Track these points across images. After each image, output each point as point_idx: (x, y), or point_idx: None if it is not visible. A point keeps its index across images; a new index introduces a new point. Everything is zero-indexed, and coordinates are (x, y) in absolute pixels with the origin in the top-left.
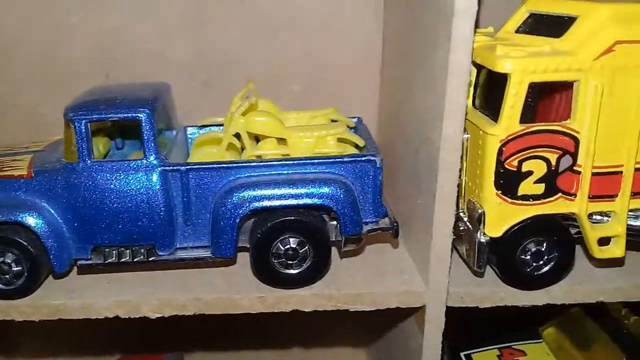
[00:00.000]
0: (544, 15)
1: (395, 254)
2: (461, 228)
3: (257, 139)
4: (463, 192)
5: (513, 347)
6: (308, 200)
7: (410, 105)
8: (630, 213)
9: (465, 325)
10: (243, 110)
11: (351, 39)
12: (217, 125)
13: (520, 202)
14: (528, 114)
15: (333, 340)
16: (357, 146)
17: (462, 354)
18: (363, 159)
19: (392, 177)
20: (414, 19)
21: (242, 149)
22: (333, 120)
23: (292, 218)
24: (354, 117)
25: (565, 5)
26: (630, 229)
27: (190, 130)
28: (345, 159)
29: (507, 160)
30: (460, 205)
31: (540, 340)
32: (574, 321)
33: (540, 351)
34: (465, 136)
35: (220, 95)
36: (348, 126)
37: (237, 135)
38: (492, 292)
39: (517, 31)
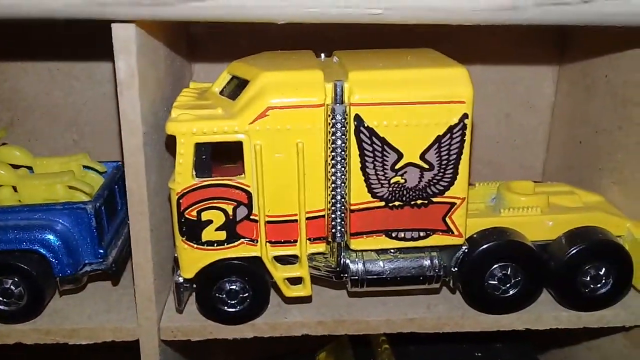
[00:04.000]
0: (237, 78)
1: (122, 291)
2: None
3: None
4: None
5: None
6: (17, 245)
7: None
8: (319, 256)
9: None
10: None
11: None
12: None
13: (205, 247)
14: (204, 169)
15: None
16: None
17: None
18: (74, 206)
19: None
20: None
21: None
22: (85, 167)
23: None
24: (115, 162)
25: (247, 71)
26: (324, 270)
27: None
28: (57, 207)
29: (187, 211)
30: None
31: None
32: (339, 348)
33: None
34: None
35: (26, 135)
36: (99, 172)
37: None
38: (202, 326)
39: (221, 92)
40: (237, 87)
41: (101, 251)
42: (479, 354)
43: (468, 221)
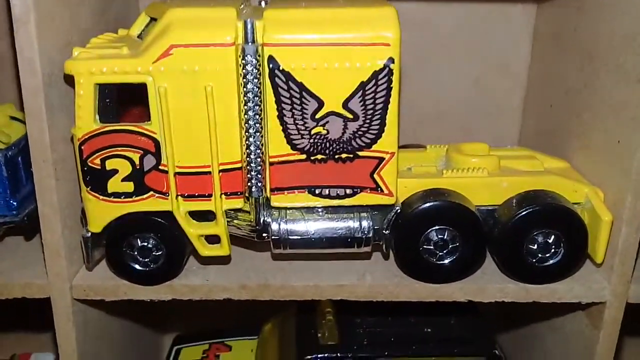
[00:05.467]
0: (153, 19)
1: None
2: None
3: None
4: None
5: (225, 342)
6: None
7: None
8: (242, 214)
9: None
10: None
11: None
12: None
13: (112, 199)
14: (110, 114)
15: None
16: None
17: (174, 348)
18: None
19: None
20: None
21: None
22: (13, 117)
23: None
24: None
25: (159, 10)
26: (246, 229)
27: None
28: None
29: (90, 159)
30: None
31: (254, 337)
32: (285, 318)
33: (245, 348)
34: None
35: None
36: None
37: None
38: (115, 285)
39: (139, 36)
40: (149, 28)
41: (14, 203)
42: (428, 330)
43: (407, 182)
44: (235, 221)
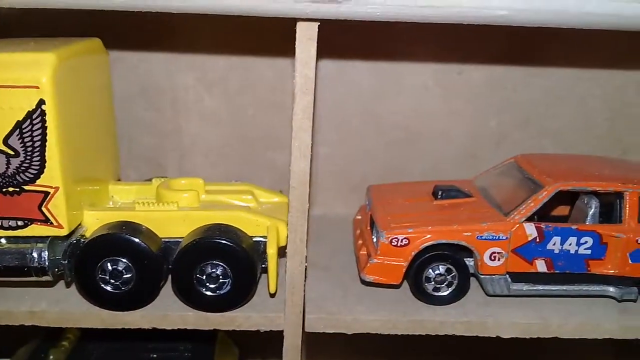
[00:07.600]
0: None
1: None
2: None
3: None
4: None
5: None
6: None
7: None
8: None
9: None
10: None
11: None
12: None
13: None
14: None
15: None
16: None
17: None
18: None
19: None
20: None
21: None
22: None
23: None
24: None
25: None
26: None
27: None
28: None
29: None
30: None
31: None
32: (32, 344)
33: None
34: None
35: None
36: None
37: None
38: None
39: None
40: None
41: None
42: (155, 356)
43: (99, 214)
44: None
